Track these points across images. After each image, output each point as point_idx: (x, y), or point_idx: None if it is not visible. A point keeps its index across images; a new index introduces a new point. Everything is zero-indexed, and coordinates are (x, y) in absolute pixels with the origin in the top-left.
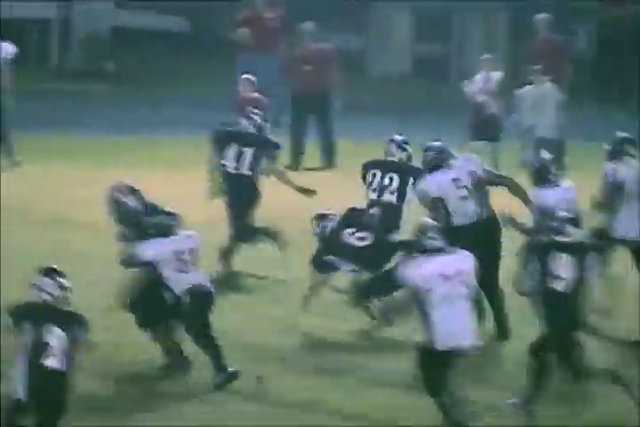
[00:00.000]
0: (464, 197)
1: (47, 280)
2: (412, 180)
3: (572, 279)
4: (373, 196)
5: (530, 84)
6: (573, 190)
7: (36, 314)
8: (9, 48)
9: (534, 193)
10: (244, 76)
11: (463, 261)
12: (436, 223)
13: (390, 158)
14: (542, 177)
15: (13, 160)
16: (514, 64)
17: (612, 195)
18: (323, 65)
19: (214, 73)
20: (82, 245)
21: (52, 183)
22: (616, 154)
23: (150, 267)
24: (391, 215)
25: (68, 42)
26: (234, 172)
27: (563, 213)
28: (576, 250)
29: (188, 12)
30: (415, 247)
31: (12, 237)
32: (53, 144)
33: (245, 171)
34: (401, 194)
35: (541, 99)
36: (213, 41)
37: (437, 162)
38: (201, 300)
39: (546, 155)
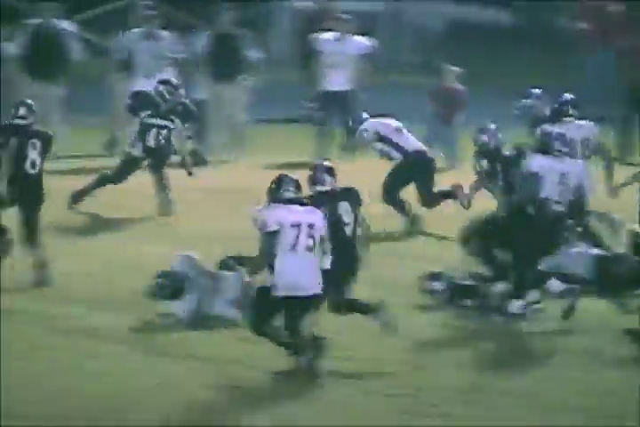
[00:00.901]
0: None
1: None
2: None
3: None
4: None
5: None
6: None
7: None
8: (365, 42)
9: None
10: (447, 66)
11: (314, 216)
12: (294, 177)
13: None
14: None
15: None
16: None
17: None
18: None
19: (541, 65)
20: None
21: None
22: (555, 116)
23: None
24: None
25: (398, 35)
26: None
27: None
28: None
29: (512, 4)
30: (271, 197)
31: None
32: None
33: None
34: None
35: None
36: (540, 33)
37: None
38: None
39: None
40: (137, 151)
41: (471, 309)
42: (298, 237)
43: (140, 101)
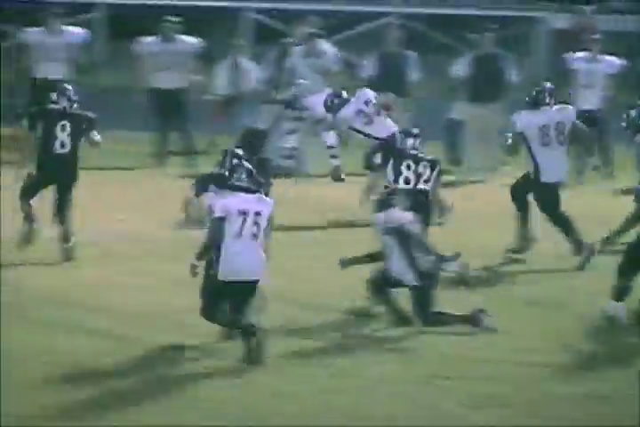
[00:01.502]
0: None
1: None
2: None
3: None
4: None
5: None
6: None
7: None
8: (617, 61)
9: None
10: None
11: (263, 205)
12: (248, 166)
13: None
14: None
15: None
16: None
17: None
18: None
19: None
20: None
21: None
22: (532, 103)
23: None
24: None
25: None
26: None
27: None
28: None
29: None
30: (226, 184)
31: None
32: None
33: None
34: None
35: None
36: None
37: None
38: None
39: None
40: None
41: None
42: (244, 224)
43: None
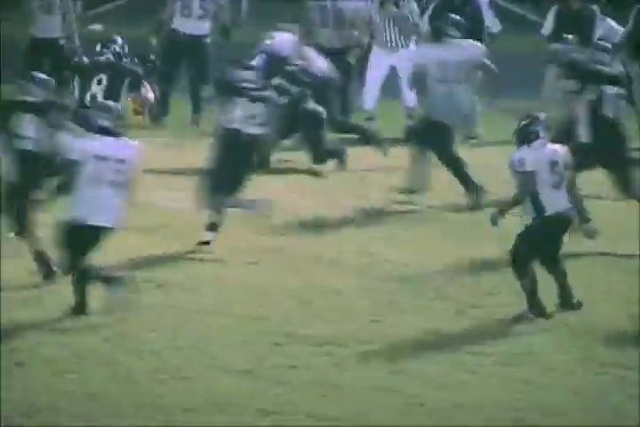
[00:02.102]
0: None
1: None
2: None
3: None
4: None
5: None
6: None
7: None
8: None
9: None
10: None
11: (126, 150)
12: (111, 104)
13: None
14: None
15: None
16: None
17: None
18: None
19: None
20: None
21: None
22: (434, 35)
23: None
24: None
25: None
26: None
27: None
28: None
29: None
30: (84, 123)
31: None
32: None
33: None
34: None
35: None
36: None
37: None
38: None
39: None
40: None
41: None
42: (102, 170)
43: None
